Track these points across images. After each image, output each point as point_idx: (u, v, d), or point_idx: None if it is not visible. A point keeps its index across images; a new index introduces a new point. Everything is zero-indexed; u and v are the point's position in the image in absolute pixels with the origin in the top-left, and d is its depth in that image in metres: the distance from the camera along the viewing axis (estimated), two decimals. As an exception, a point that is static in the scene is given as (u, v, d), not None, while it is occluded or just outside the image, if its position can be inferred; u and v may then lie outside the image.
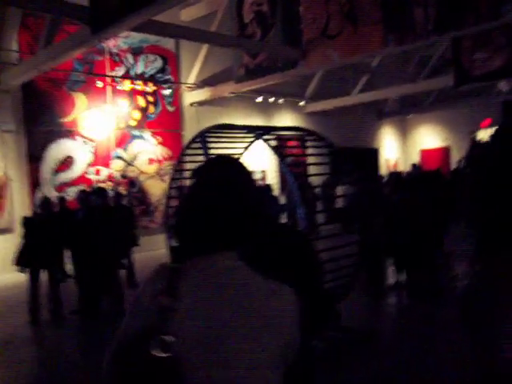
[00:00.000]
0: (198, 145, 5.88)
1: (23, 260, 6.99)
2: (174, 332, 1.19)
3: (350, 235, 6.58)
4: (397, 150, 23.13)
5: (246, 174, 1.41)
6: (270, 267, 1.36)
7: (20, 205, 11.54)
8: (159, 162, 14.22)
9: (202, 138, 5.68)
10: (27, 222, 7.25)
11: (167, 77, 14.61)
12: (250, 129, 5.98)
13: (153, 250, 10.65)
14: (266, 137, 5.42)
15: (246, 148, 6.29)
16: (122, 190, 12.79)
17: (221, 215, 1.29)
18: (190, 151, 5.93)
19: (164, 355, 1.17)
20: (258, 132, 5.51)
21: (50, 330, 6.90)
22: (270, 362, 1.20)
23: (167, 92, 14.48)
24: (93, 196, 6.97)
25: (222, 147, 5.91)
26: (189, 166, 6.14)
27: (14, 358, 5.76)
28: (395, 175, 8.63)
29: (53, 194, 11.23)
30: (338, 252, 5.89)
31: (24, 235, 7.16)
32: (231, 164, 1.45)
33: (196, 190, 1.39)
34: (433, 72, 16.79)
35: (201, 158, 5.83)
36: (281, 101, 17.04)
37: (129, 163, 13.57)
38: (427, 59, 17.10)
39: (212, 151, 5.82)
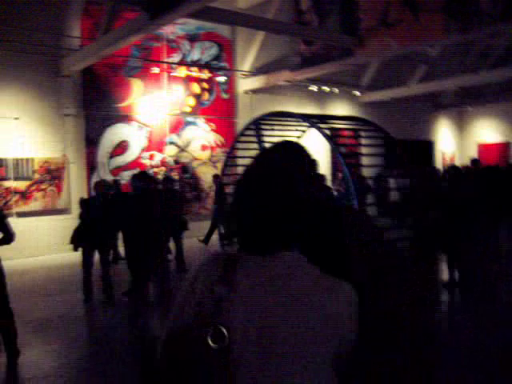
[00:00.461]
0: (252, 132, 5.86)
1: (78, 240, 7.20)
2: (228, 323, 1.16)
3: (403, 229, 6.45)
4: (453, 143, 22.46)
5: (310, 164, 1.35)
6: (329, 262, 1.31)
7: (77, 187, 11.90)
8: (212, 148, 14.34)
9: (256, 125, 5.65)
10: (84, 203, 7.47)
11: (222, 64, 14.66)
12: (304, 117, 5.90)
13: (203, 235, 10.77)
14: (320, 125, 5.35)
15: (300, 136, 6.22)
16: (175, 175, 12.98)
17: (281, 206, 1.23)
18: (243, 138, 5.92)
19: (216, 346, 1.15)
20: (313, 120, 5.43)
21: (101, 308, 7.09)
22: (324, 360, 1.15)
23: (222, 79, 14.54)
24: (135, 180, 7.06)
25: (275, 135, 5.87)
26: (242, 152, 6.13)
27: (67, 333, 5.96)
28: (454, 169, 8.34)
29: (108, 177, 11.53)
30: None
31: (80, 216, 7.38)
32: (297, 152, 1.37)
33: (256, 178, 1.30)
34: (496, 62, 16.13)
35: (254, 145, 5.81)
36: (335, 90, 16.82)
37: (182, 149, 13.75)
38: (490, 49, 16.45)
39: (265, 139, 5.78)
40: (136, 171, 9.71)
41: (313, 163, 1.37)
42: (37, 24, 10.93)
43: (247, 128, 5.78)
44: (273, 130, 6.00)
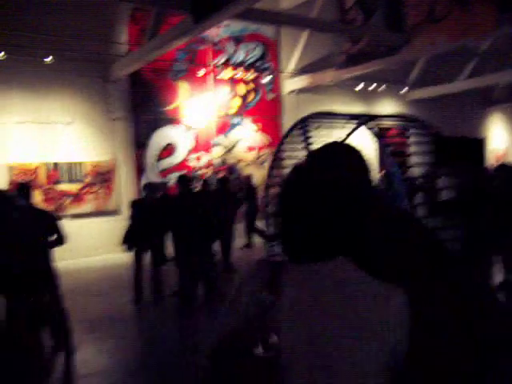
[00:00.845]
0: (298, 132, 5.85)
1: (129, 241, 7.35)
2: (276, 330, 1.13)
3: (454, 230, 6.27)
4: (505, 140, 21.74)
5: (365, 167, 1.30)
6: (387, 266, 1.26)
7: (126, 188, 12.17)
8: (258, 149, 14.38)
9: (303, 125, 5.63)
10: (134, 205, 7.62)
11: (267, 64, 14.69)
12: (352, 116, 5.84)
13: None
14: (368, 124, 5.28)
15: (347, 136, 6.16)
16: (221, 176, 13.08)
17: (340, 212, 1.17)
18: (289, 138, 5.91)
19: (266, 355, 1.11)
20: (361, 119, 5.36)
21: (150, 309, 7.22)
22: (375, 369, 1.09)
23: (267, 79, 14.56)
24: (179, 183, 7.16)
25: (322, 135, 5.84)
26: (288, 153, 6.12)
27: (118, 332, 6.10)
28: (504, 168, 8.05)
29: (156, 179, 11.74)
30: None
31: (131, 217, 7.53)
32: (350, 154, 1.33)
33: (311, 182, 1.22)
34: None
35: (301, 145, 5.79)
36: (381, 88, 16.57)
37: (228, 150, 13.85)
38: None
39: (312, 139, 5.76)
40: (182, 173, 9.87)
41: (369, 166, 1.32)
42: (86, 32, 11.22)
43: (293, 128, 5.77)
44: (320, 129, 5.96)
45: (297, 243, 1.21)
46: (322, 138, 5.81)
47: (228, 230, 9.32)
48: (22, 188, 5.36)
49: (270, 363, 1.12)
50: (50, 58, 10.85)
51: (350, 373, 1.10)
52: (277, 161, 6.45)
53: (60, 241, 5.30)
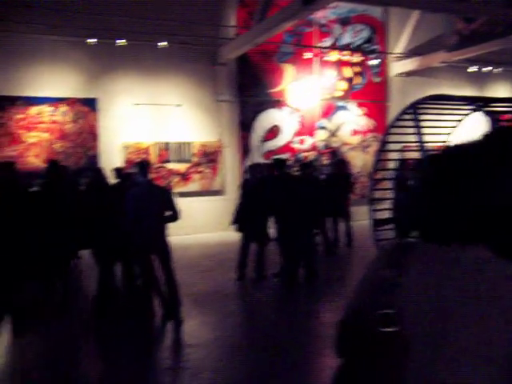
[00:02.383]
0: (408, 116, 5.67)
1: (238, 221, 7.56)
2: (398, 307, 1.14)
3: None
4: None
5: None
6: None
7: (231, 169, 12.51)
8: (363, 133, 14.14)
9: (414, 109, 5.44)
10: (242, 186, 7.81)
11: (374, 47, 14.33)
12: (469, 100, 5.54)
13: (352, 220, 10.67)
14: (486, 109, 5.00)
15: (460, 121, 5.88)
16: (325, 159, 13.02)
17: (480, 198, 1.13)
18: (399, 123, 5.75)
19: (389, 330, 1.12)
20: (479, 103, 5.08)
21: (253, 287, 7.39)
22: (500, 360, 1.06)
23: (374, 62, 14.23)
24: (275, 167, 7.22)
25: (433, 119, 5.63)
26: (398, 138, 5.96)
27: (221, 308, 6.33)
28: None
29: (260, 161, 11.91)
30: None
31: (240, 197, 7.74)
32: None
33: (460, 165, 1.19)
34: None
35: (411, 130, 5.62)
36: (497, 70, 15.58)
37: (332, 133, 13.75)
38: None
39: (423, 124, 5.55)
40: (278, 156, 9.95)
41: None
42: (197, 17, 11.57)
43: (404, 112, 5.59)
44: (430, 114, 5.73)
45: (442, 222, 1.20)
46: (433, 122, 5.62)
47: (342, 211, 9.48)
48: (142, 165, 5.68)
49: (390, 338, 1.13)
50: (165, 43, 11.32)
51: (472, 357, 1.08)
52: (385, 145, 6.32)
53: (175, 216, 5.58)
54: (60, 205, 6.01)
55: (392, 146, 6.41)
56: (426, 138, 5.39)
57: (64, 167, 7.65)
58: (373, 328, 1.15)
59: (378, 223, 5.85)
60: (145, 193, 5.47)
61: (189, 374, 4.33)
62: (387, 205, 6.97)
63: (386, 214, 6.42)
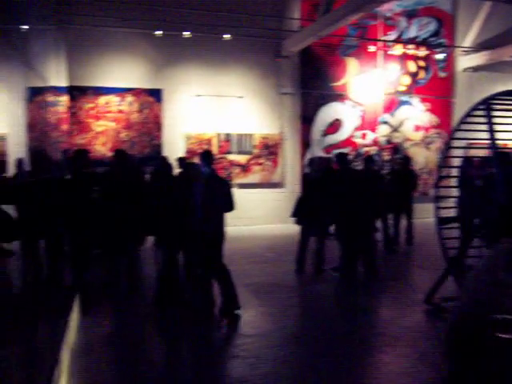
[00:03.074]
0: (479, 112, 5.49)
1: (298, 214, 7.58)
2: None
3: None
4: None
5: None
6: None
7: (291, 162, 12.53)
8: (425, 129, 13.82)
9: (487, 105, 5.26)
10: (305, 179, 7.81)
11: (441, 40, 13.94)
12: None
13: (418, 217, 10.45)
14: None
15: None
16: (386, 155, 12.84)
17: None
18: (469, 119, 5.58)
19: (507, 335, 1.11)
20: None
21: (311, 281, 7.40)
22: None
23: (440, 56, 13.85)
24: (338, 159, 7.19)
25: (506, 116, 5.43)
26: (466, 134, 5.79)
27: (280, 299, 6.36)
28: None
29: (320, 155, 11.88)
30: None
31: (302, 191, 7.74)
32: None
33: None
34: None
35: (481, 126, 5.45)
36: None
37: (394, 129, 13.52)
38: None
39: (495, 120, 5.36)
40: (341, 151, 9.88)
41: None
42: (261, 9, 11.62)
43: (475, 108, 5.42)
44: (503, 110, 5.52)
45: None
46: (506, 119, 5.43)
47: (405, 208, 9.43)
48: (207, 156, 5.79)
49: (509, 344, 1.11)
50: (229, 35, 11.43)
51: None
52: (452, 142, 6.16)
53: (230, 207, 5.67)
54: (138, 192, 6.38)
55: (459, 143, 6.24)
56: (498, 136, 5.22)
57: (130, 156, 7.90)
58: (490, 333, 1.14)
59: (442, 221, 5.73)
60: (210, 183, 5.59)
61: (249, 364, 4.39)
62: (452, 203, 6.81)
63: (451, 213, 6.28)
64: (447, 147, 6.11)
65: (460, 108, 10.77)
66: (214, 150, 11.70)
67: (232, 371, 4.38)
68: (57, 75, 10.71)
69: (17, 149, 10.25)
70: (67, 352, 4.30)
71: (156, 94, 11.58)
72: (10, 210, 6.59)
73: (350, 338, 5.05)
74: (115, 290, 6.44)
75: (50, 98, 10.75)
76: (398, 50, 13.46)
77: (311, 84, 12.65)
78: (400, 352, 4.64)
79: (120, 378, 4.28)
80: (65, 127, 10.86)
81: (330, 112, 12.87)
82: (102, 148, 11.13)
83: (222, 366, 4.54)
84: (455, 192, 6.75)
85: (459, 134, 5.85)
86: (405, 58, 13.57)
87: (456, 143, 6.20)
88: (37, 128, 10.75)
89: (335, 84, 12.89)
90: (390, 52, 13.35)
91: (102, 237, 6.37)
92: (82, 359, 4.48)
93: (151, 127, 11.56)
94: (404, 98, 13.59)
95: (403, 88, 13.59)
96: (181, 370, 4.53)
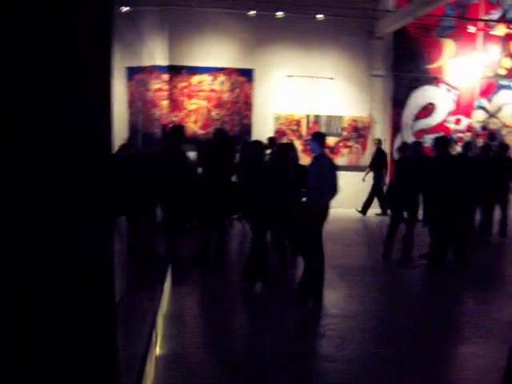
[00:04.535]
0: None
1: (389, 199, 7.49)
2: None
3: None
4: None
5: None
6: None
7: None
8: (526, 116, 13.12)
9: None
10: (398, 164, 7.66)
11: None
12: None
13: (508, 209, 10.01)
14: None
15: None
16: (480, 142, 12.32)
17: None
18: None
19: None
20: None
21: (398, 267, 7.30)
22: None
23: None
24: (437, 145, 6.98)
25: None
26: None
27: (365, 283, 6.36)
28: None
29: (410, 139, 11.59)
30: None
31: (395, 176, 7.62)
32: None
33: None
34: None
35: None
36: None
37: (491, 114, 12.91)
38: None
39: None
40: (439, 135, 9.55)
41: None
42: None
43: None
44: None
45: None
46: None
47: (500, 198, 9.11)
48: (321, 137, 6.29)
49: None
50: (321, 15, 11.33)
51: None
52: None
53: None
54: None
55: None
56: None
57: (230, 136, 8.11)
58: None
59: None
60: (320, 163, 5.79)
61: (336, 344, 4.45)
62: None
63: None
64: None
65: None
66: (303, 130, 11.73)
67: (319, 350, 4.47)
68: (161, 55, 11.11)
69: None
70: (161, 318, 4.59)
71: (247, 74, 11.73)
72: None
73: (439, 328, 4.99)
74: (205, 262, 6.72)
75: (153, 77, 11.18)
76: (501, 30, 12.76)
77: (404, 66, 12.33)
78: (492, 344, 4.54)
79: (207, 347, 4.46)
80: (164, 104, 11.29)
81: (423, 95, 12.51)
82: (193, 126, 11.47)
83: (310, 344, 4.63)
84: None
85: None
86: (508, 38, 12.86)
87: None
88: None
89: (430, 66, 12.48)
90: (491, 32, 12.70)
91: (198, 210, 6.66)
92: (174, 325, 4.75)
93: (241, 107, 11.75)
94: (504, 82, 12.91)
95: (504, 71, 12.90)
96: (267, 344, 4.68)
